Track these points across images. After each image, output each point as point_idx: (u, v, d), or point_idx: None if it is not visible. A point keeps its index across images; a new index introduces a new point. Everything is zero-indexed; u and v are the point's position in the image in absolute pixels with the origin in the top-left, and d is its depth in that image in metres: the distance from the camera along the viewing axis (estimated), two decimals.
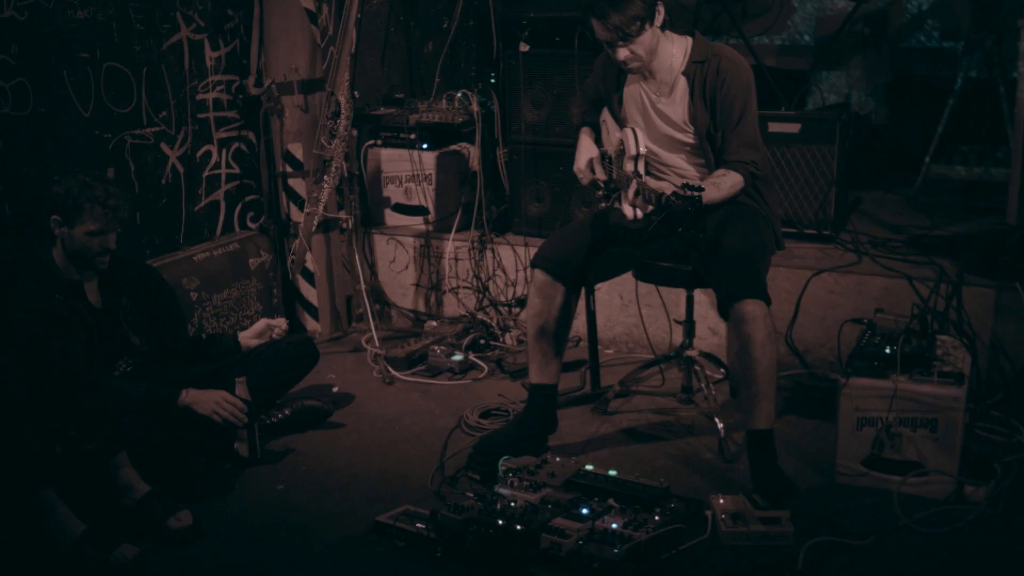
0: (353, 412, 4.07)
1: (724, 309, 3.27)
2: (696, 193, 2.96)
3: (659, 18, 3.31)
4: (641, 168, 3.39)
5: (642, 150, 3.38)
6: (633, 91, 3.53)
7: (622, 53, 3.32)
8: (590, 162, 3.57)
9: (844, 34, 5.46)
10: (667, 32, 3.40)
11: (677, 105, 3.45)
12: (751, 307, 3.19)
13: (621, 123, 3.57)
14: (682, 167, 3.56)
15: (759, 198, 3.51)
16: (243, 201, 4.79)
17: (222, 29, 4.56)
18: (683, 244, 3.43)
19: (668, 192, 3.04)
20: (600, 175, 3.52)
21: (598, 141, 3.66)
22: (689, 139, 3.48)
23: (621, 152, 3.44)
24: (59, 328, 3.28)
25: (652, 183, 3.20)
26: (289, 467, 3.61)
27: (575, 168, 3.61)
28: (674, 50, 3.42)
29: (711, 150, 3.44)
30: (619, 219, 3.45)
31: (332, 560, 3.02)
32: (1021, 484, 3.25)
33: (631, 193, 3.23)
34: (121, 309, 3.51)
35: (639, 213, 3.26)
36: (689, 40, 3.45)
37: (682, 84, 3.43)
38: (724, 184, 3.34)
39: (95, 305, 3.44)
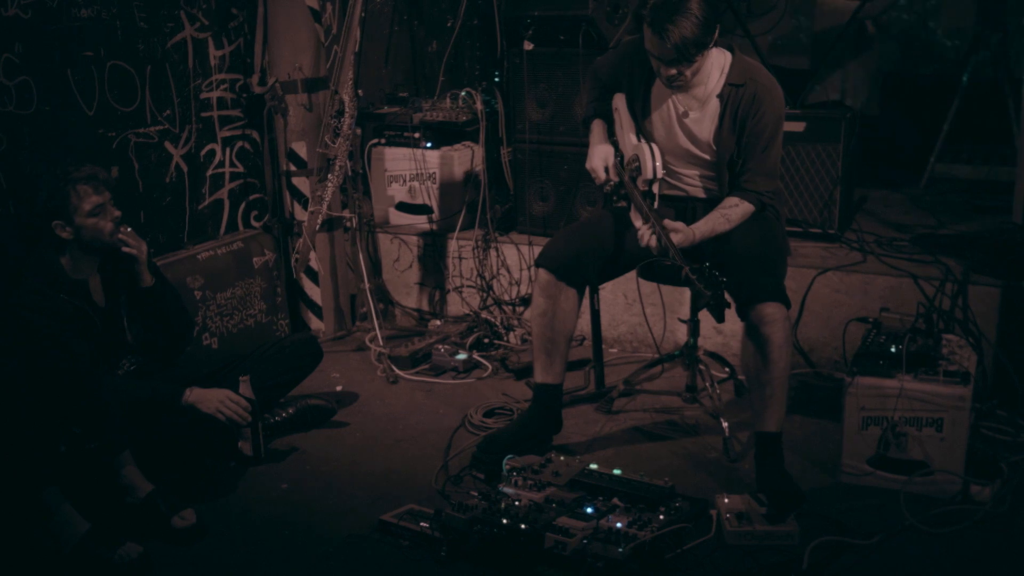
0: (357, 411, 4.07)
1: (743, 310, 3.25)
2: (720, 282, 2.90)
3: (713, 42, 3.22)
4: (656, 190, 3.35)
5: (659, 174, 3.32)
6: (661, 98, 3.44)
7: (671, 71, 3.22)
8: (605, 162, 3.49)
9: (843, 28, 5.44)
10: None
11: (705, 124, 3.38)
12: (772, 309, 3.18)
13: (639, 127, 3.49)
14: (693, 180, 3.52)
15: (769, 208, 3.48)
16: (247, 200, 4.78)
17: (226, 28, 4.56)
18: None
19: (682, 245, 3.03)
20: (614, 177, 3.47)
21: (611, 129, 3.58)
22: (709, 158, 3.43)
23: (636, 168, 3.38)
24: (66, 327, 3.27)
25: (668, 224, 3.16)
26: (293, 466, 3.60)
27: (588, 166, 3.53)
28: (712, 66, 3.33)
29: (728, 171, 3.40)
30: (626, 229, 3.41)
31: (336, 559, 3.01)
32: None
33: (647, 231, 3.18)
34: (123, 306, 3.51)
35: (651, 247, 3.19)
36: (728, 57, 3.35)
37: (714, 104, 3.35)
38: (734, 216, 3.31)
39: (99, 304, 3.44)
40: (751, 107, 3.30)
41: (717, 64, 3.35)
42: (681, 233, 3.17)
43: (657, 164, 3.32)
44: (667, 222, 3.19)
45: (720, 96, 3.34)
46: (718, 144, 3.38)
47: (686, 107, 3.40)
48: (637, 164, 3.36)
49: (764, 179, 3.35)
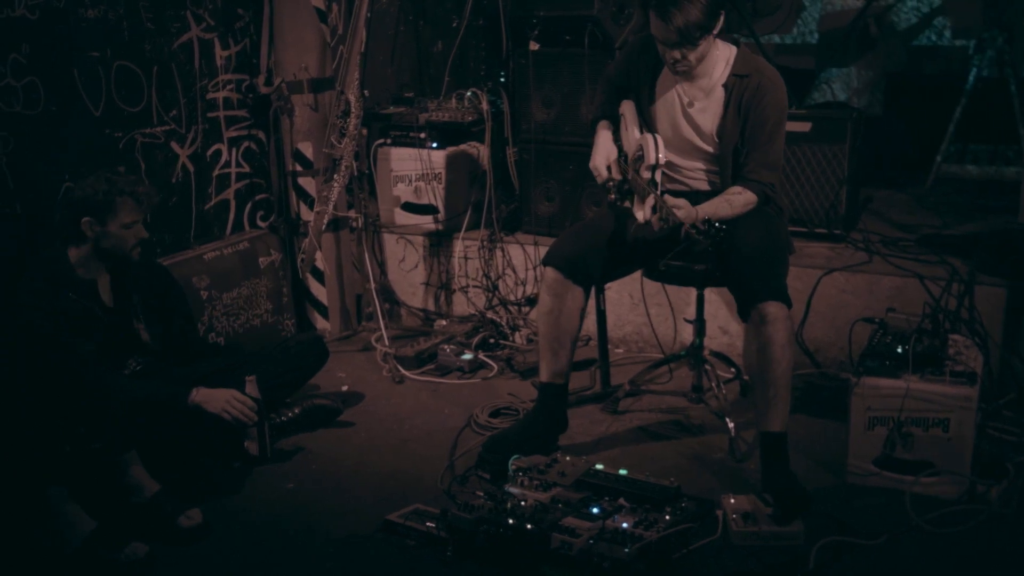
0: (363, 411, 4.07)
1: (745, 310, 3.25)
2: (719, 230, 2.94)
3: (718, 28, 3.26)
4: (659, 177, 3.36)
5: (662, 160, 3.34)
6: (666, 91, 3.47)
7: (675, 55, 3.26)
8: (607, 161, 3.52)
9: (847, 29, 5.44)
10: (715, 39, 3.34)
11: (709, 115, 3.41)
12: (773, 308, 3.18)
13: (645, 120, 3.52)
14: (697, 174, 3.53)
15: (772, 204, 3.49)
16: (253, 200, 4.79)
17: (232, 28, 4.56)
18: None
19: (687, 222, 3.01)
20: (616, 175, 3.48)
21: (616, 133, 3.61)
22: (712, 150, 3.45)
23: (639, 157, 3.39)
24: (70, 327, 3.28)
25: (671, 200, 3.16)
26: (299, 466, 3.61)
27: (591, 164, 3.55)
28: (718, 58, 3.37)
29: (732, 164, 3.41)
30: (633, 226, 3.43)
31: (342, 559, 3.02)
32: None
33: (647, 206, 3.20)
34: (132, 307, 3.52)
35: (653, 225, 3.20)
36: (734, 50, 3.40)
37: (719, 95, 3.38)
38: (737, 202, 3.32)
39: (107, 304, 3.44)
40: (755, 97, 3.33)
41: (723, 56, 3.39)
42: (684, 209, 3.16)
43: (660, 152, 3.34)
44: (668, 198, 3.20)
45: (725, 86, 3.37)
46: (721, 136, 3.40)
47: (691, 97, 3.43)
48: (640, 153, 3.38)
49: (766, 170, 3.37)
